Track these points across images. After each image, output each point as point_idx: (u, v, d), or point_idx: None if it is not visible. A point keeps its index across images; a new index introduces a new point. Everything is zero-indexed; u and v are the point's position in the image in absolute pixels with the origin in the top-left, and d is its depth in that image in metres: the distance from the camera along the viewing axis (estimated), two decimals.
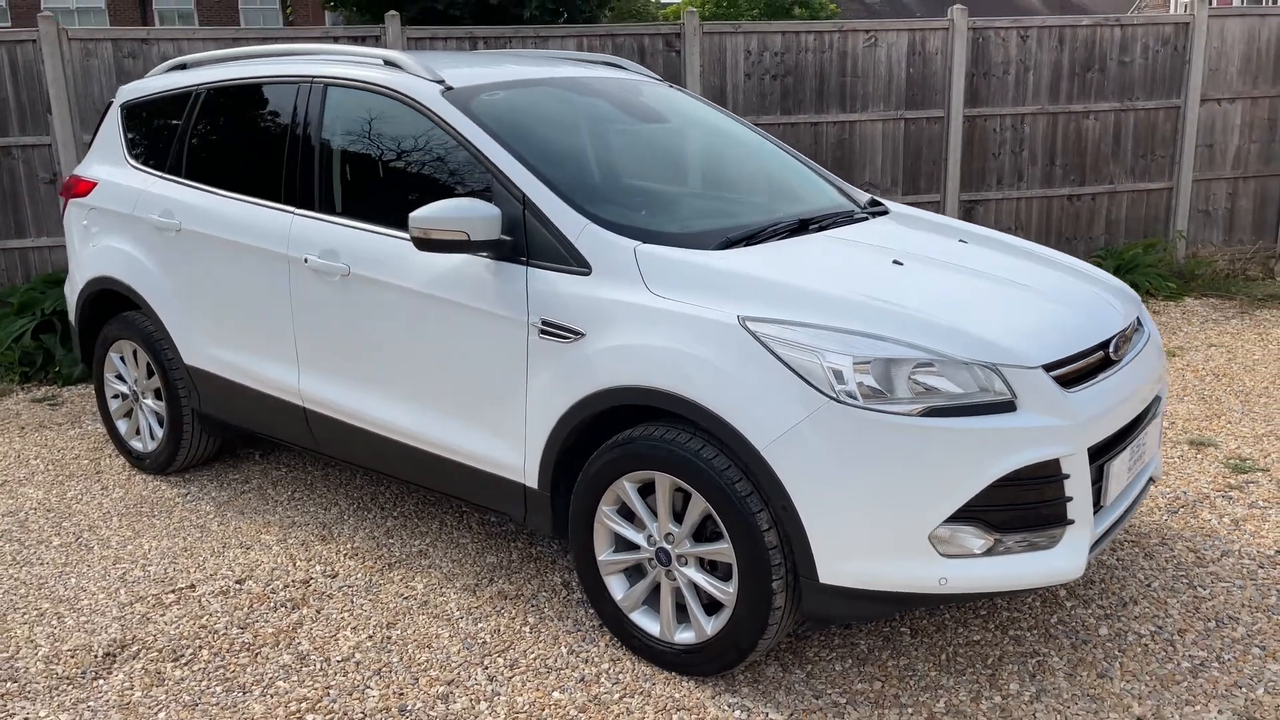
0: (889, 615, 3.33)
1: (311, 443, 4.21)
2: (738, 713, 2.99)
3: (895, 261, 3.31)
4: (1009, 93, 8.43)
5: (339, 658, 3.33)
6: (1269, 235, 9.27)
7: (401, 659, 3.31)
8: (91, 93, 6.94)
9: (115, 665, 3.33)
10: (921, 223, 3.96)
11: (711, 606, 3.11)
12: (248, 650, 3.39)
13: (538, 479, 3.38)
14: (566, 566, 3.90)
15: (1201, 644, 3.30)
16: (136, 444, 4.97)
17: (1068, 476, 2.83)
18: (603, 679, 3.17)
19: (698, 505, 3.00)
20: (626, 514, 3.24)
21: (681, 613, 3.18)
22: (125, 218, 4.70)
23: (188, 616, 3.61)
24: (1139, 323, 3.48)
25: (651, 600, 3.25)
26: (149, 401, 4.85)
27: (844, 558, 2.80)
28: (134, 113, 4.91)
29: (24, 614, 3.67)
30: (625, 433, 3.14)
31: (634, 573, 3.30)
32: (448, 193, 3.60)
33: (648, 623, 3.23)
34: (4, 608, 3.72)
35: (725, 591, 3.00)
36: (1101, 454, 2.97)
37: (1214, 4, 8.77)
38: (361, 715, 3.03)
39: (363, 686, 3.17)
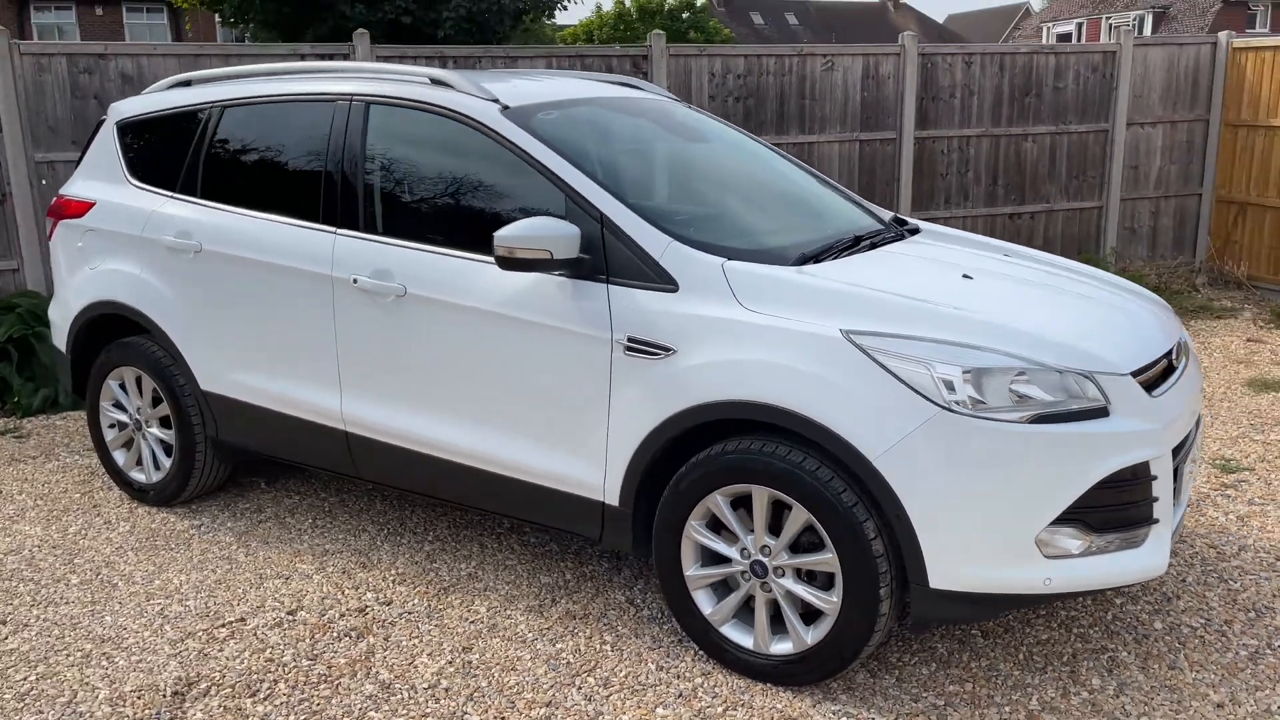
0: (993, 617, 3.42)
1: (349, 468, 4.11)
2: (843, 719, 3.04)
3: (965, 275, 3.44)
4: (955, 116, 8.78)
5: (424, 685, 3.27)
6: (1188, 251, 9.85)
7: (490, 683, 3.27)
8: (45, 109, 6.63)
9: (188, 704, 3.19)
10: (958, 239, 4.10)
11: (808, 616, 3.16)
12: (326, 682, 3.29)
13: (619, 496, 3.38)
14: (624, 584, 3.90)
15: (1249, 633, 3.50)
16: (138, 475, 4.75)
17: (1155, 478, 2.98)
18: (700, 693, 3.19)
19: (799, 517, 3.05)
20: (714, 528, 3.27)
21: (775, 624, 3.22)
22: (132, 239, 4.51)
23: (249, 650, 3.49)
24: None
25: (742, 614, 3.28)
26: (154, 430, 4.65)
27: (955, 562, 2.89)
28: (132, 131, 4.73)
29: (68, 656, 3.49)
30: (718, 446, 3.17)
31: (720, 587, 3.33)
32: (515, 212, 3.58)
33: (740, 636, 3.26)
34: (43, 650, 3.52)
35: (828, 601, 3.06)
36: (1175, 455, 3.14)
37: (1139, 35, 9.31)
38: None
39: (460, 713, 3.11)
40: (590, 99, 4.16)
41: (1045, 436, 2.85)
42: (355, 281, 3.82)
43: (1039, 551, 2.89)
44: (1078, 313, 3.30)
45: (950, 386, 2.86)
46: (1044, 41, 48.72)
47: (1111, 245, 9.37)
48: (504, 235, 3.26)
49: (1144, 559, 3.01)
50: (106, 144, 4.80)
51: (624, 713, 3.10)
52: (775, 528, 3.16)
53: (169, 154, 4.57)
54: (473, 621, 3.65)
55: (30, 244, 6.65)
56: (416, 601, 3.80)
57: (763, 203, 4.16)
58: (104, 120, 4.91)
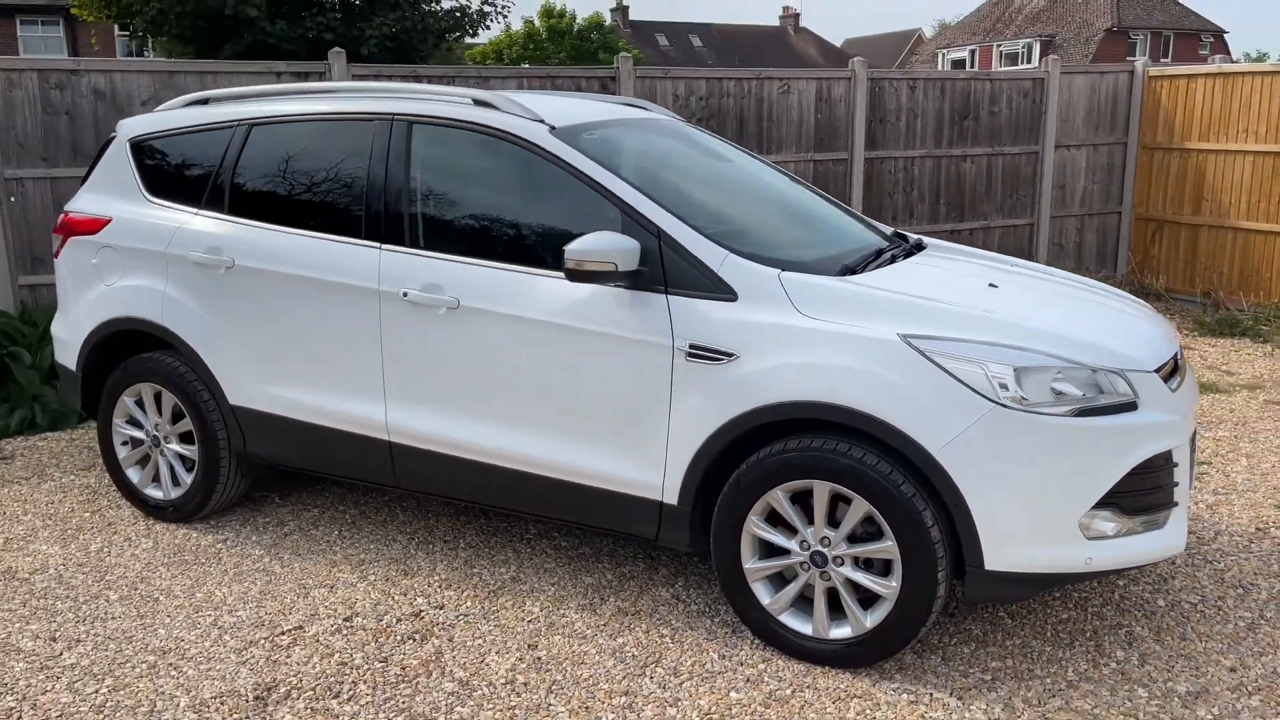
0: (1036, 595, 3.68)
1: (388, 477, 4.20)
2: (904, 695, 3.28)
3: (991, 284, 3.74)
4: (901, 138, 9.23)
5: (501, 680, 3.40)
6: (1110, 265, 10.50)
7: (564, 676, 3.41)
8: (15, 125, 6.52)
9: (272, 707, 3.26)
10: (962, 252, 4.41)
11: (865, 602, 3.40)
12: (404, 681, 3.39)
13: (678, 496, 3.57)
14: (665, 582, 4.08)
15: (1242, 606, 3.87)
16: (154, 492, 4.74)
17: (1176, 465, 3.31)
18: (765, 678, 3.39)
19: (859, 509, 3.29)
20: (772, 522, 3.49)
21: (832, 611, 3.44)
22: (155, 255, 4.53)
23: (317, 655, 3.56)
24: None
25: (798, 602, 3.50)
26: (174, 446, 4.66)
27: (1007, 546, 3.17)
28: (148, 148, 4.74)
29: (133, 668, 3.51)
30: (779, 445, 3.39)
31: (775, 578, 3.54)
32: (568, 228, 3.75)
33: (798, 623, 3.48)
34: (105, 664, 3.53)
35: (887, 586, 3.30)
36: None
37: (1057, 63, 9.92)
38: None
39: (544, 704, 3.26)
40: (620, 120, 4.36)
41: (1086, 428, 3.15)
42: (405, 295, 3.93)
43: (1081, 534, 3.19)
44: (1096, 317, 3.63)
45: (1003, 385, 3.14)
46: (939, 66, 50.67)
47: (1043, 260, 9.94)
48: (574, 249, 3.43)
49: (1167, 539, 3.33)
50: (119, 161, 4.80)
51: (700, 698, 3.28)
52: (831, 520, 3.39)
53: (191, 171, 4.60)
54: (530, 621, 3.78)
55: None
56: (469, 605, 3.91)
57: (786, 218, 4.40)
58: (113, 137, 4.91)
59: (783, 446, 3.38)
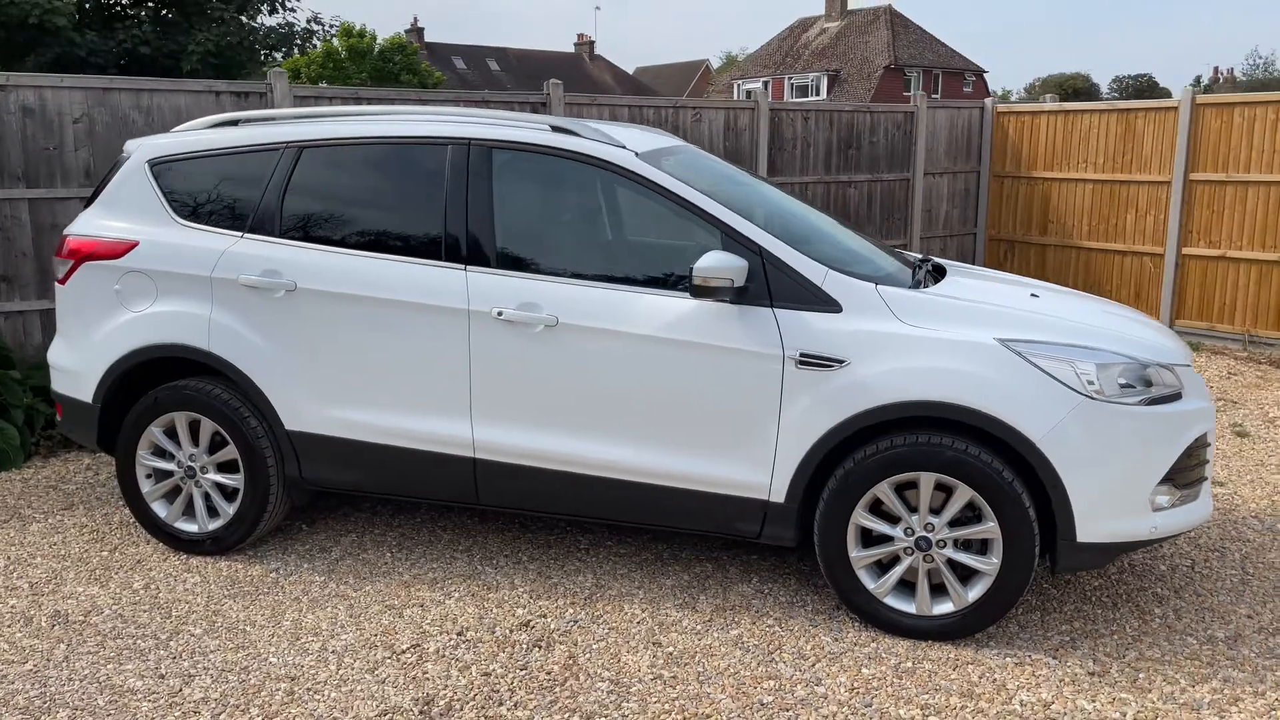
0: (1111, 561, 4.11)
1: (469, 494, 4.27)
2: (1008, 659, 3.70)
3: (1033, 294, 4.26)
4: (796, 164, 9.87)
5: (648, 676, 3.57)
6: None
7: (705, 667, 3.63)
8: None
9: (444, 718, 3.31)
10: (976, 270, 4.93)
11: (962, 580, 3.80)
12: (557, 685, 3.51)
13: (785, 494, 3.87)
14: (741, 578, 4.34)
15: (1226, 565, 4.54)
16: (186, 525, 4.58)
17: (1209, 444, 3.91)
18: (883, 654, 3.73)
19: (963, 496, 3.70)
20: (875, 513, 3.84)
21: (908, 591, 3.83)
22: (198, 280, 4.40)
23: (454, 669, 3.62)
24: None
25: (900, 585, 3.86)
26: (212, 476, 4.52)
27: (1095, 520, 3.65)
28: (173, 170, 4.59)
29: (272, 695, 3.45)
30: (885, 441, 3.75)
31: (876, 565, 3.89)
32: (664, 247, 4.00)
33: (901, 603, 3.85)
34: (240, 695, 3.46)
35: (988, 563, 3.72)
36: None
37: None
38: (733, 710, 3.34)
39: (705, 694, 3.46)
40: (671, 147, 4.62)
41: (1154, 415, 3.68)
42: (499, 314, 4.04)
43: (1149, 506, 3.72)
44: (1128, 321, 4.20)
45: (1090, 380, 3.63)
46: (735, 96, 53.05)
47: None
48: (701, 267, 3.69)
49: (1201, 508, 3.92)
50: (137, 183, 4.62)
51: (837, 676, 3.58)
52: (932, 507, 3.78)
53: (231, 194, 4.50)
54: (637, 622, 3.97)
55: None
56: (571, 612, 4.05)
57: (828, 238, 4.77)
58: (124, 157, 4.72)
59: (889, 443, 3.74)
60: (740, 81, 55.08)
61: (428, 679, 3.55)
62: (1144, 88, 63.92)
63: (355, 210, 4.39)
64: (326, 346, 4.29)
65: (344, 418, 4.31)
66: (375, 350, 4.23)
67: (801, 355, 3.78)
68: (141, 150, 4.68)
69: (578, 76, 57.76)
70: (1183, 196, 9.66)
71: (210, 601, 4.15)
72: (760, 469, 3.89)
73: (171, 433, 4.55)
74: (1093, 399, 3.62)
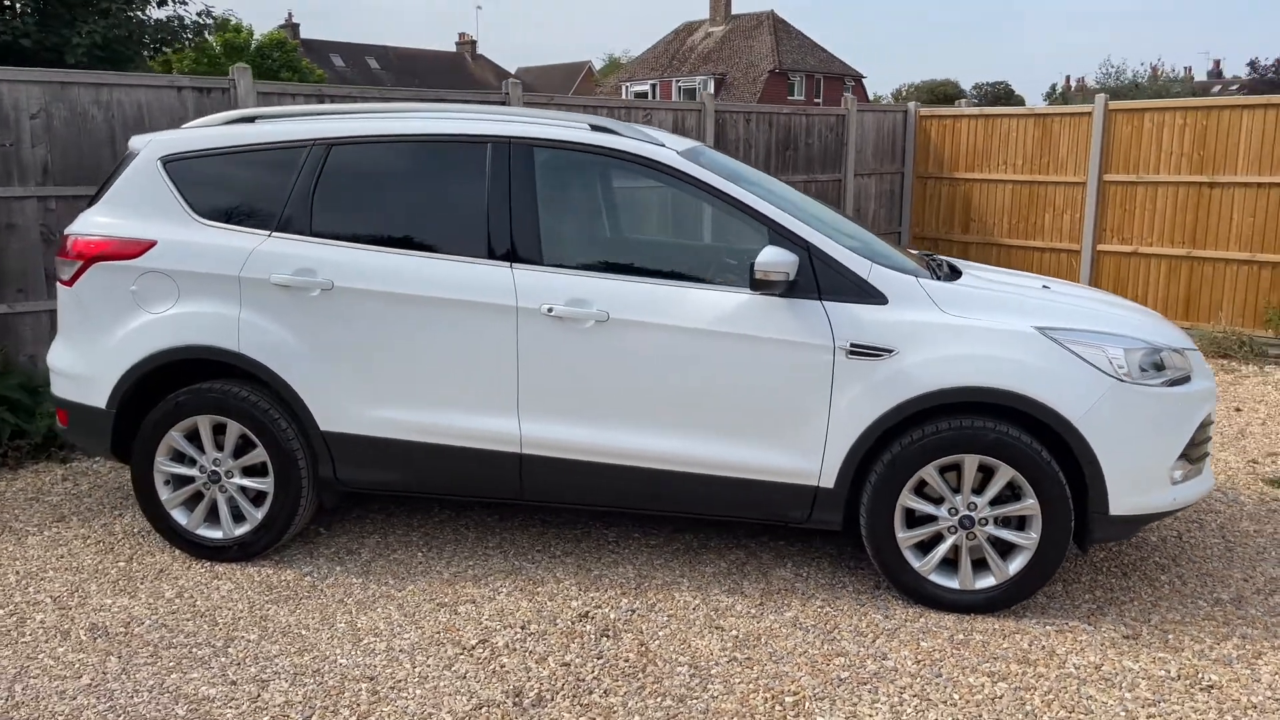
0: (1137, 532, 4.35)
1: (512, 490, 4.30)
2: (1049, 626, 3.95)
3: (1044, 286, 4.53)
4: None
5: (724, 658, 3.68)
6: None
7: (775, 648, 3.76)
8: None
9: (539, 708, 3.35)
10: (977, 265, 5.19)
11: (1001, 555, 4.03)
12: (639, 671, 3.59)
13: (834, 479, 4.03)
14: (776, 563, 4.49)
15: (1208, 534, 4.91)
16: (209, 532, 4.46)
17: (1212, 422, 4.24)
18: (934, 628, 3.93)
19: (1004, 475, 3.93)
20: (918, 494, 4.04)
21: (951, 568, 4.05)
22: (225, 280, 4.30)
23: (531, 660, 3.65)
24: None
25: (941, 562, 4.07)
26: (238, 480, 4.42)
27: (1125, 493, 3.93)
28: (189, 168, 4.47)
29: (357, 695, 3.43)
30: (931, 426, 3.95)
31: (918, 546, 4.09)
32: (711, 242, 4.11)
33: (944, 580, 4.05)
34: (324, 697, 3.42)
35: (1027, 538, 3.96)
36: None
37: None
38: (814, 686, 3.48)
39: (784, 672, 3.59)
40: (696, 145, 4.73)
41: (1172, 395, 3.99)
42: (549, 310, 4.09)
43: (1169, 480, 4.02)
44: (1132, 311, 4.50)
45: (1120, 365, 3.91)
46: (624, 97, 53.37)
47: None
48: (762, 261, 3.82)
49: (1205, 481, 4.25)
50: (149, 180, 4.48)
51: (900, 650, 3.76)
52: (973, 487, 4.00)
53: (255, 192, 4.41)
54: (693, 609, 4.07)
55: None
56: (625, 603, 4.12)
57: (859, 234, 4.91)
58: (131, 154, 4.57)
59: (935, 428, 3.94)
60: (628, 84, 55.44)
61: (508, 672, 3.58)
62: (1001, 94, 67.03)
63: (391, 208, 4.37)
64: (365, 345, 4.25)
65: (383, 416, 4.27)
66: (418, 348, 4.22)
67: (852, 346, 3.95)
68: (152, 147, 4.53)
69: (460, 76, 57.15)
70: (1097, 196, 10.28)
71: (253, 607, 4.06)
72: (810, 456, 4.04)
73: (193, 437, 4.43)
74: (1122, 381, 3.90)
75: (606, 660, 3.67)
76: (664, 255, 4.28)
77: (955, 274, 4.48)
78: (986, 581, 4.03)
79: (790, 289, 3.97)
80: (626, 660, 3.67)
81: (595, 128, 4.32)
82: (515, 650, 3.74)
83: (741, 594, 4.20)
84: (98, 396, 4.45)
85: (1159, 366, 4.02)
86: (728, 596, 4.18)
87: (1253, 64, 30.96)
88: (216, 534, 4.47)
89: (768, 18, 53.10)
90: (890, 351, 3.94)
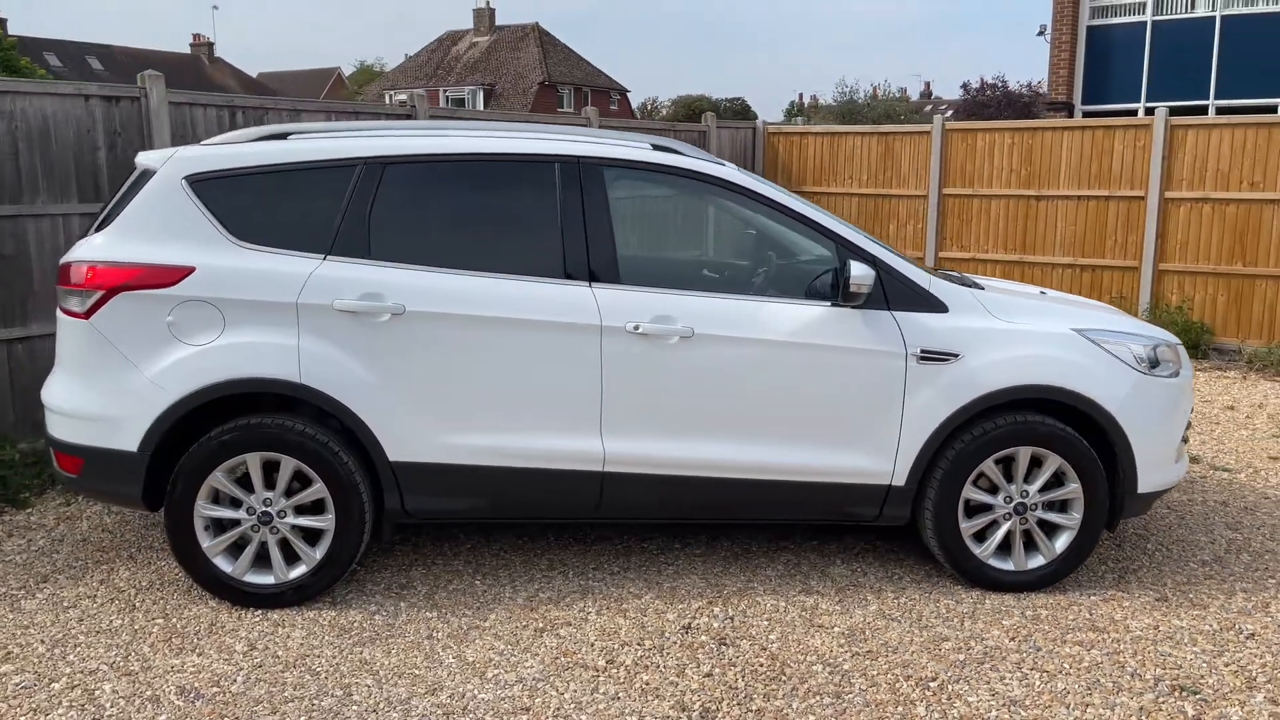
0: (1150, 508, 4.83)
1: (590, 508, 4.30)
2: (1095, 598, 4.40)
3: (1042, 293, 5.02)
4: None
5: (848, 654, 3.87)
6: None
7: (884, 639, 3.98)
8: None
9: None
10: (975, 276, 5.62)
11: (1047, 535, 4.46)
12: (781, 675, 3.71)
13: (906, 477, 4.32)
14: (828, 563, 4.72)
15: (1189, 513, 5.59)
16: (258, 578, 4.17)
17: (1192, 410, 4.87)
18: (1004, 609, 4.28)
19: (1052, 464, 4.35)
20: (976, 487, 4.39)
21: (1005, 552, 4.44)
22: (280, 307, 4.04)
23: (673, 675, 3.69)
24: None
25: (999, 548, 4.44)
26: (291, 520, 4.16)
27: (1149, 473, 4.45)
28: (220, 188, 4.15)
29: None
30: (989, 423, 4.31)
31: (975, 535, 4.44)
32: (784, 258, 4.29)
33: (1000, 563, 4.43)
34: None
35: (1071, 519, 4.40)
36: None
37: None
38: (942, 669, 3.74)
39: (908, 660, 3.82)
40: (727, 163, 4.89)
41: (1175, 384, 4.55)
42: (636, 329, 4.13)
43: (1174, 459, 4.59)
44: (1121, 314, 5.07)
45: (1140, 359, 4.42)
46: (388, 104, 52.00)
47: None
48: (856, 276, 4.05)
49: (1184, 463, 4.87)
50: (174, 201, 4.13)
51: (989, 629, 4.08)
52: (1009, 476, 4.39)
53: (302, 213, 4.17)
54: (784, 612, 4.22)
55: None
56: (717, 610, 4.22)
57: (888, 248, 5.17)
58: (147, 172, 4.19)
59: (994, 424, 4.31)
60: (391, 92, 54.06)
61: (658, 689, 3.61)
62: (739, 110, 70.81)
63: (456, 228, 4.25)
64: (441, 370, 4.12)
65: (458, 442, 4.16)
66: (496, 370, 4.14)
67: (922, 352, 4.25)
68: (173, 165, 4.17)
69: (197, 79, 53.73)
70: (938, 208, 11.23)
71: (343, 653, 3.85)
72: (884, 457, 4.30)
73: (244, 477, 4.12)
74: (1143, 374, 4.42)
75: (741, 668, 3.76)
76: (733, 270, 4.41)
77: (976, 285, 4.89)
78: (1037, 562, 4.44)
79: (866, 300, 4.22)
80: (760, 665, 3.78)
81: (658, 147, 4.40)
82: (648, 667, 3.76)
83: (817, 593, 4.40)
84: (126, 439, 4.05)
85: (1163, 360, 4.58)
86: (805, 596, 4.37)
87: (965, 86, 34.57)
88: (267, 579, 4.18)
89: (533, 30, 53.48)
90: (956, 356, 4.27)
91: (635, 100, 58.85)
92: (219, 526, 4.17)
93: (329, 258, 4.13)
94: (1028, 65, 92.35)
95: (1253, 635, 4.07)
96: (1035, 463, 4.38)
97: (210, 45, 58.86)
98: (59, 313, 4.21)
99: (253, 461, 4.09)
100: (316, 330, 4.06)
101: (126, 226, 4.14)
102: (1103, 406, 4.31)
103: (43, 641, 3.92)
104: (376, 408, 4.10)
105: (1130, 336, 4.48)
